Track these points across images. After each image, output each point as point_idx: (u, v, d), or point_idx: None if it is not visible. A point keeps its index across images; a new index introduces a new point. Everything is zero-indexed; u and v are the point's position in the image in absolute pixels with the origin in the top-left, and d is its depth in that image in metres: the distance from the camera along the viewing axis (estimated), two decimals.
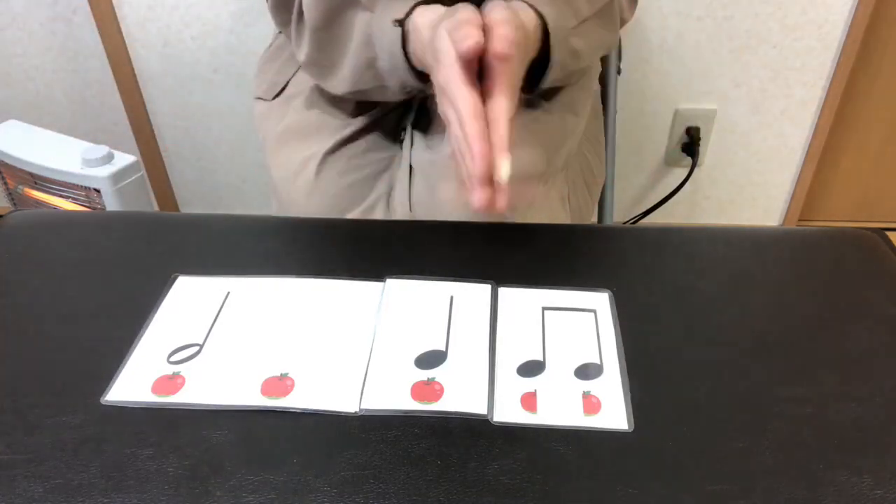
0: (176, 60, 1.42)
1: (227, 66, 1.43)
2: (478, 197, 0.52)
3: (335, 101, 0.80)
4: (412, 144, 0.76)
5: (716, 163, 1.54)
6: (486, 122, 0.52)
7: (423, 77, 0.63)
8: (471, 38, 0.52)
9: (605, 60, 1.05)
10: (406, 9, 0.62)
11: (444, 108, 0.56)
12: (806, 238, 0.62)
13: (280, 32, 0.86)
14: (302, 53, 0.73)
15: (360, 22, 0.66)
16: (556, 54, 0.63)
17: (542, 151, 0.70)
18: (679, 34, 1.37)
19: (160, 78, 1.45)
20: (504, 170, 0.51)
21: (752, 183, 1.57)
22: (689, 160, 1.51)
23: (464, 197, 0.69)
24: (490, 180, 0.52)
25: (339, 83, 0.72)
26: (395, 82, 0.66)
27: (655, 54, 1.40)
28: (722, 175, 1.56)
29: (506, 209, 0.53)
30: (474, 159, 0.52)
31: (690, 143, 1.49)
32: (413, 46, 0.62)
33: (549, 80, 0.65)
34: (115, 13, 1.36)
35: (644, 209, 1.59)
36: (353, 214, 0.75)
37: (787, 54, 1.38)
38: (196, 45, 1.40)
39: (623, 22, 0.77)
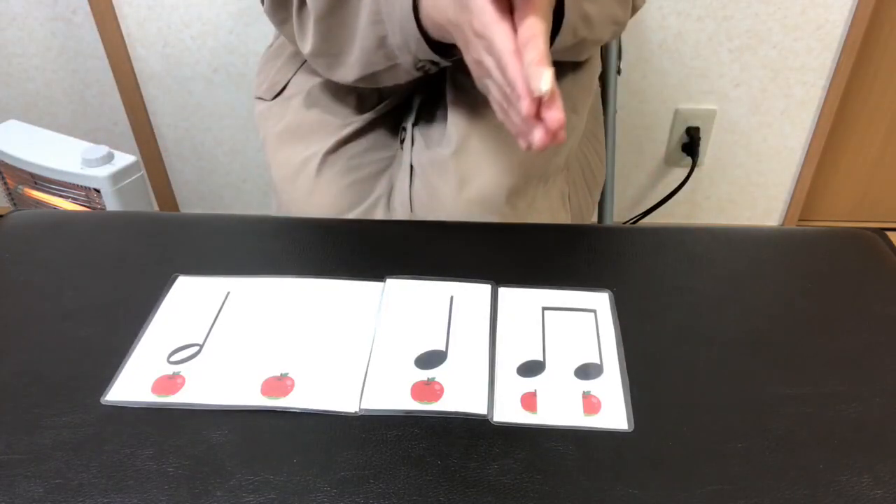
0: (176, 60, 1.42)
1: (227, 66, 1.43)
2: (538, 136, 0.51)
3: (335, 101, 0.80)
4: (412, 144, 0.76)
5: (716, 163, 1.54)
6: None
7: (436, 47, 0.63)
8: None
9: (605, 60, 1.05)
10: None
11: (480, 55, 0.54)
12: (806, 238, 0.62)
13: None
14: (307, 45, 0.72)
15: (366, 1, 0.65)
16: (570, 13, 0.62)
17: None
18: (679, 34, 1.37)
19: (160, 78, 1.45)
20: (545, 81, 0.48)
21: (752, 183, 1.57)
22: (689, 160, 1.51)
23: (464, 193, 0.70)
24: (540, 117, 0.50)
25: (349, 70, 0.71)
26: (408, 58, 0.65)
27: (655, 54, 1.40)
28: (722, 175, 1.56)
29: (561, 131, 0.50)
30: (520, 98, 0.50)
31: (690, 143, 1.49)
32: (427, 11, 0.60)
33: (561, 44, 0.64)
34: (115, 13, 1.36)
35: (644, 209, 1.59)
36: (353, 214, 0.75)
37: (787, 54, 1.38)
38: (196, 45, 1.40)
39: (635, 8, 0.76)
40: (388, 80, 0.72)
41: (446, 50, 0.63)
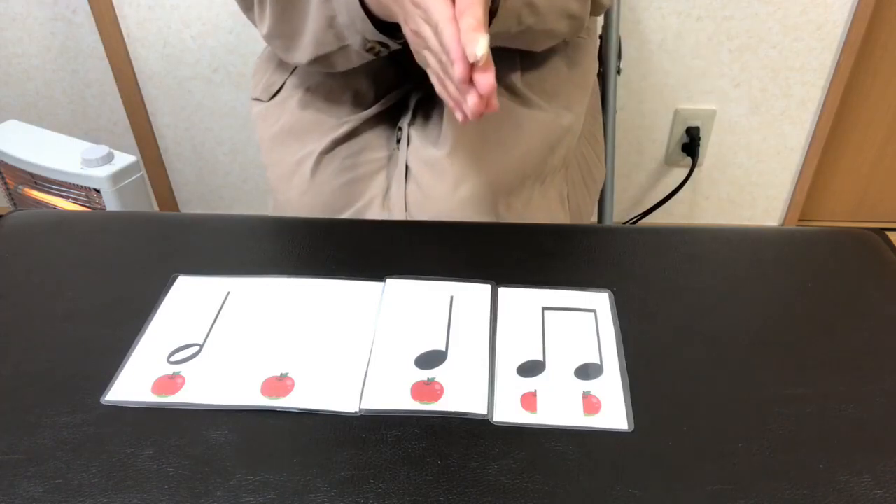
0: (176, 60, 1.42)
1: (227, 66, 1.43)
2: (470, 101, 0.52)
3: (331, 101, 0.80)
4: (408, 145, 0.76)
5: (716, 163, 1.54)
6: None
7: (383, 27, 0.63)
8: None
9: (604, 60, 1.05)
10: None
11: (418, 26, 0.55)
12: (806, 238, 0.62)
13: None
14: (265, 27, 0.73)
15: None
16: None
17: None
18: (679, 34, 1.37)
19: (160, 78, 1.45)
20: (480, 46, 0.49)
21: (752, 183, 1.57)
22: (689, 160, 1.51)
23: (459, 192, 0.70)
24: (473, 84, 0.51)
25: (303, 51, 0.72)
26: (356, 38, 0.66)
27: (655, 54, 1.40)
28: (722, 175, 1.56)
29: (493, 98, 0.51)
30: (455, 63, 0.51)
31: (690, 143, 1.49)
32: None
33: (503, 27, 0.64)
34: (115, 13, 1.36)
35: (644, 209, 1.59)
36: (347, 214, 0.75)
37: (787, 54, 1.38)
38: (196, 45, 1.40)
39: (601, 6, 0.76)
40: (342, 64, 0.72)
41: (393, 32, 0.64)
